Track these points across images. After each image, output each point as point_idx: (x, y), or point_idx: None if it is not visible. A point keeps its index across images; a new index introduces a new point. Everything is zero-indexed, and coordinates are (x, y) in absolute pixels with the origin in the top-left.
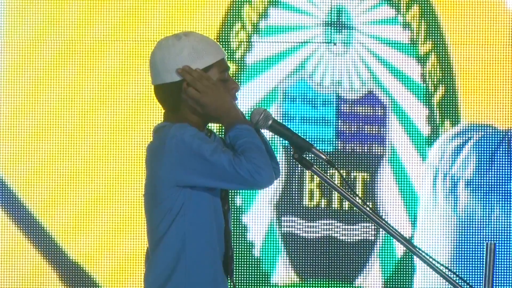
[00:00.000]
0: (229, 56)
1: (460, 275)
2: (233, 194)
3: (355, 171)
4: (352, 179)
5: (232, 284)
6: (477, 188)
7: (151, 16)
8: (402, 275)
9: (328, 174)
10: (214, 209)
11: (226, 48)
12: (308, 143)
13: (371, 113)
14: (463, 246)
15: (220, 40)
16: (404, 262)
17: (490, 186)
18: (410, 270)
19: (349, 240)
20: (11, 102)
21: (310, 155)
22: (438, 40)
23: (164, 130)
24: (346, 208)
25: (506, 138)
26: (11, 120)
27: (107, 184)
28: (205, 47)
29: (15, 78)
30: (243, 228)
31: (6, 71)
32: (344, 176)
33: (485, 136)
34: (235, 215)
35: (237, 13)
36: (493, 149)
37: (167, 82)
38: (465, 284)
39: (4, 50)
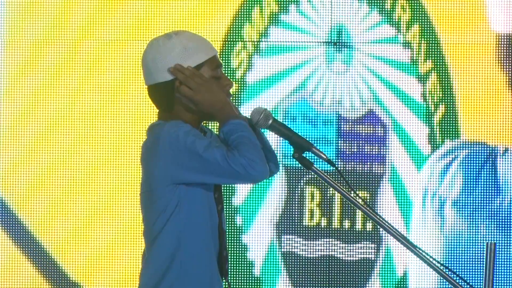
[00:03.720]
0: (230, 75)
1: (460, 275)
2: (227, 195)
3: (357, 191)
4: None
5: (227, 284)
6: (463, 207)
7: (153, 26)
8: None
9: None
10: (209, 208)
11: (227, 67)
12: (308, 143)
13: (372, 132)
14: (463, 246)
15: (221, 59)
16: (405, 281)
17: (475, 204)
18: None
19: (349, 259)
20: (13, 107)
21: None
22: (439, 59)
23: (158, 128)
24: (347, 227)
25: (492, 155)
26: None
27: (107, 195)
28: (196, 45)
29: (15, 82)
30: (243, 247)
31: (7, 75)
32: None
33: (471, 153)
34: (235, 234)
35: (238, 33)
36: (479, 166)
37: (159, 81)
38: (465, 284)
39: (6, 52)
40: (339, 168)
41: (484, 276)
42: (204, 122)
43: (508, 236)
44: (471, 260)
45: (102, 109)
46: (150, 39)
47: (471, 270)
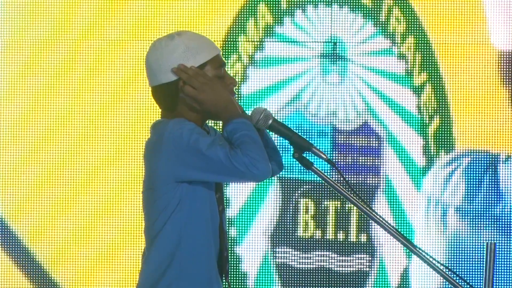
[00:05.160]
0: None
1: (460, 275)
2: (227, 200)
3: (340, 180)
4: (346, 210)
5: (227, 284)
6: (466, 214)
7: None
8: None
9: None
10: (210, 208)
11: None
12: (308, 143)
13: (366, 144)
14: (463, 246)
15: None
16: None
17: (477, 211)
18: None
19: (343, 271)
20: (13, 108)
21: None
22: (433, 71)
23: (161, 125)
24: (341, 239)
25: (494, 163)
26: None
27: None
28: (198, 45)
29: (16, 83)
30: (237, 259)
31: (7, 75)
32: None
33: (473, 161)
34: (229, 245)
35: (232, 44)
36: (480, 174)
37: (163, 82)
38: (465, 284)
39: (7, 53)
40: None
41: (484, 276)
42: (208, 121)
43: (508, 237)
44: (471, 260)
45: (104, 110)
46: (151, 40)
47: (471, 270)
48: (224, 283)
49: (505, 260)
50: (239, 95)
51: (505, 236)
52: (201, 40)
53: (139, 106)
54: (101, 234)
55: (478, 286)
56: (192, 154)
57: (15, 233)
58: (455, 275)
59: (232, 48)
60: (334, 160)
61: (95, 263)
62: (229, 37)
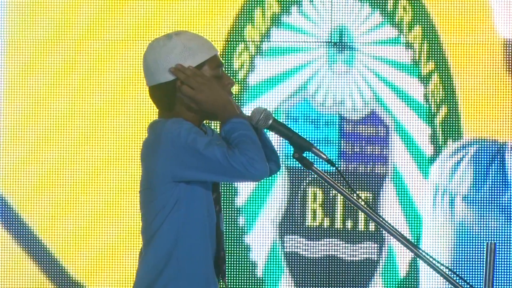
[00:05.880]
0: (232, 76)
1: (460, 275)
2: (230, 196)
3: (357, 191)
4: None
5: (224, 284)
6: (473, 202)
7: (155, 26)
8: None
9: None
10: (207, 208)
11: (228, 69)
12: (308, 143)
13: (374, 133)
14: (463, 246)
15: (223, 60)
16: (407, 281)
17: (485, 199)
18: None
19: (352, 260)
20: (15, 107)
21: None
22: (440, 60)
23: (159, 125)
24: (349, 228)
25: (501, 151)
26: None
27: (110, 196)
28: (196, 45)
29: (18, 83)
30: (245, 248)
31: (9, 75)
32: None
33: (480, 149)
34: (238, 234)
35: (239, 34)
36: (488, 162)
37: (161, 82)
38: (466, 284)
39: (8, 53)
40: (339, 168)
41: (484, 276)
42: (206, 121)
43: (508, 236)
44: (471, 260)
45: (104, 109)
46: (151, 39)
47: (471, 270)
48: (221, 284)
49: (505, 260)
50: (246, 85)
51: (505, 233)
52: (199, 40)
53: (142, 106)
54: (101, 233)
55: (478, 286)
56: (190, 154)
57: (26, 224)
58: (456, 276)
59: (239, 37)
60: (341, 151)
61: (96, 262)
62: (236, 26)
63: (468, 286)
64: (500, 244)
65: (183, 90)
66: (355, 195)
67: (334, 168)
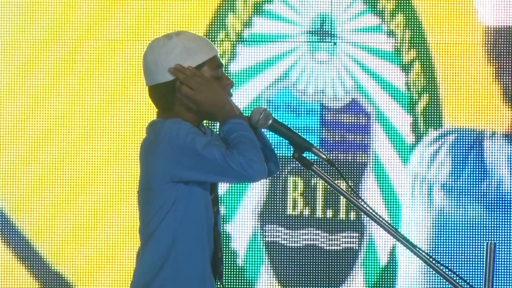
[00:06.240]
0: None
1: (460, 275)
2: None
3: (339, 180)
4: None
5: (221, 286)
6: (451, 191)
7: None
8: (385, 284)
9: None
10: (205, 208)
11: None
12: (308, 143)
13: (355, 122)
14: (463, 246)
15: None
16: (388, 271)
17: (463, 188)
18: (393, 278)
19: (332, 249)
20: (13, 108)
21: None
22: (422, 48)
23: (158, 125)
24: (330, 217)
25: (479, 140)
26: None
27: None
28: (196, 45)
29: (16, 83)
30: (226, 237)
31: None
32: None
33: (459, 138)
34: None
35: (221, 22)
36: (466, 151)
37: (160, 82)
38: (465, 284)
39: (6, 52)
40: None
41: (484, 276)
42: (206, 122)
43: (508, 236)
44: (471, 260)
45: (103, 109)
46: (150, 39)
47: (471, 270)
48: (218, 285)
49: (505, 260)
50: (228, 73)
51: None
52: (199, 40)
53: (141, 105)
54: (99, 233)
55: (478, 286)
56: (188, 154)
57: (16, 229)
58: (455, 275)
59: (220, 25)
60: (323, 139)
61: (94, 262)
62: (218, 14)
63: (468, 286)
64: (500, 244)
65: (182, 91)
66: (355, 195)
67: (334, 168)
